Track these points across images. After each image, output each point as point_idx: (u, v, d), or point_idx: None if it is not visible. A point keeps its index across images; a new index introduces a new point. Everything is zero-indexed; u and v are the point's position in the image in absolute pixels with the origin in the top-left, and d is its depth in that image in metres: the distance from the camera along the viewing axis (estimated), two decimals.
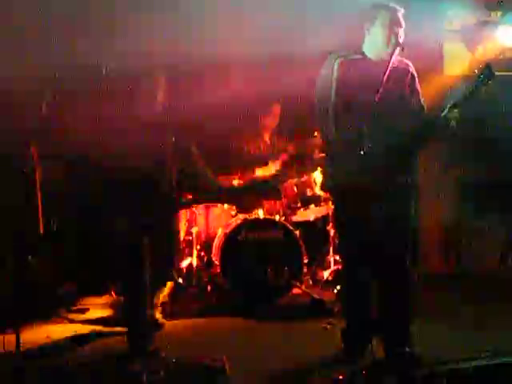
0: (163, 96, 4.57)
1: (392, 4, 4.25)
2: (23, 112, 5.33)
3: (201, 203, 6.41)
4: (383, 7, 4.24)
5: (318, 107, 4.31)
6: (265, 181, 4.97)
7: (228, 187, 4.78)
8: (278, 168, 6.76)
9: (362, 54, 4.31)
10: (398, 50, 4.18)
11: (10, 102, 5.57)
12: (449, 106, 4.11)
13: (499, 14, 6.87)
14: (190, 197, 6.25)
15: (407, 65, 4.36)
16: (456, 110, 4.10)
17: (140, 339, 4.60)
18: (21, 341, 4.30)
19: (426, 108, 4.41)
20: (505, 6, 6.79)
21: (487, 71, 4.06)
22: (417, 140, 4.26)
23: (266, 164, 6.78)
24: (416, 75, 4.37)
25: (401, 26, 4.23)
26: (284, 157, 6.86)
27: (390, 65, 4.14)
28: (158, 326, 5.10)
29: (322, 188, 5.06)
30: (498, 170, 7.24)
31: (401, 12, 4.25)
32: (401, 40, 4.20)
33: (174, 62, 5.41)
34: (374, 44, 4.27)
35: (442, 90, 6.04)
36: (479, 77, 4.07)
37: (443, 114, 4.12)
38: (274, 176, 6.60)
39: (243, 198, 6.56)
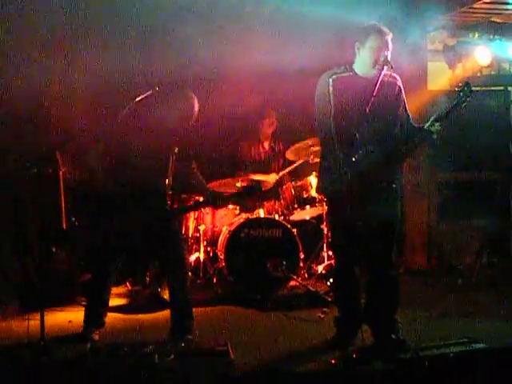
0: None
1: (382, 28, 4.23)
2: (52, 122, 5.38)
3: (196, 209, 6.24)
4: (373, 32, 4.20)
5: (319, 118, 4.30)
6: (248, 187, 5.12)
7: (218, 194, 4.92)
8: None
9: (353, 70, 4.30)
10: (385, 68, 4.19)
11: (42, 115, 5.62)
12: (432, 119, 4.16)
13: (476, 35, 6.90)
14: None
15: (395, 78, 4.35)
16: (438, 123, 4.13)
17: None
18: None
19: (411, 117, 4.41)
20: (481, 28, 6.81)
21: (466, 89, 4.11)
22: (404, 148, 4.28)
23: (268, 172, 6.81)
24: (403, 88, 4.37)
25: (388, 49, 4.21)
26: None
27: (379, 81, 4.15)
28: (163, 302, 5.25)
29: (317, 191, 5.06)
30: (475, 175, 7.26)
31: (389, 36, 4.22)
32: (389, 58, 4.20)
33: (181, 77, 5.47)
34: (363, 64, 4.27)
35: (425, 104, 6.07)
36: (459, 94, 4.11)
37: (427, 126, 4.16)
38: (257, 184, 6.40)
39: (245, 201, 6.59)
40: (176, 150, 4.59)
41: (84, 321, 4.74)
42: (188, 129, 4.63)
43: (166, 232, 4.60)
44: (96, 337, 4.64)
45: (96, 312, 4.75)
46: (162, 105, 4.52)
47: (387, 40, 4.21)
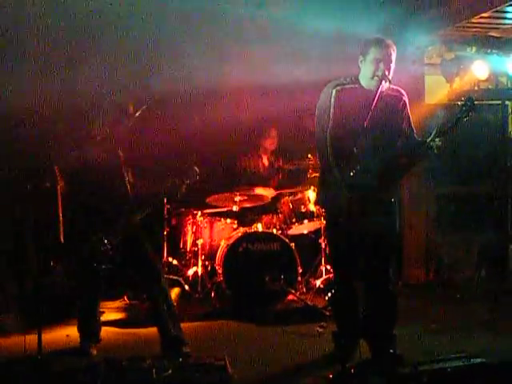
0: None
1: (384, 40, 4.21)
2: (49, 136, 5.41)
3: None
4: (374, 44, 4.19)
5: (317, 130, 4.29)
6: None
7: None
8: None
9: (358, 83, 4.28)
10: (384, 82, 4.19)
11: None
12: (433, 134, 4.10)
13: (474, 49, 6.94)
14: None
15: (401, 93, 4.32)
16: (439, 139, 4.10)
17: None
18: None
19: (415, 132, 4.38)
20: (478, 42, 6.86)
21: (470, 103, 4.04)
22: (403, 163, 4.28)
23: (267, 185, 6.84)
24: (408, 103, 4.34)
25: (390, 61, 4.18)
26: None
27: (378, 94, 4.14)
28: None
29: (316, 203, 5.05)
30: (473, 188, 7.27)
31: (392, 48, 4.19)
32: (389, 73, 4.16)
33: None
34: (365, 76, 4.26)
35: (422, 117, 6.08)
36: (462, 109, 4.06)
37: (429, 141, 4.12)
38: None
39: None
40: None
41: (80, 336, 4.73)
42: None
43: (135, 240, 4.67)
44: (93, 351, 4.64)
45: (90, 329, 4.75)
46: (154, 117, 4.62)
47: (388, 52, 4.18)
